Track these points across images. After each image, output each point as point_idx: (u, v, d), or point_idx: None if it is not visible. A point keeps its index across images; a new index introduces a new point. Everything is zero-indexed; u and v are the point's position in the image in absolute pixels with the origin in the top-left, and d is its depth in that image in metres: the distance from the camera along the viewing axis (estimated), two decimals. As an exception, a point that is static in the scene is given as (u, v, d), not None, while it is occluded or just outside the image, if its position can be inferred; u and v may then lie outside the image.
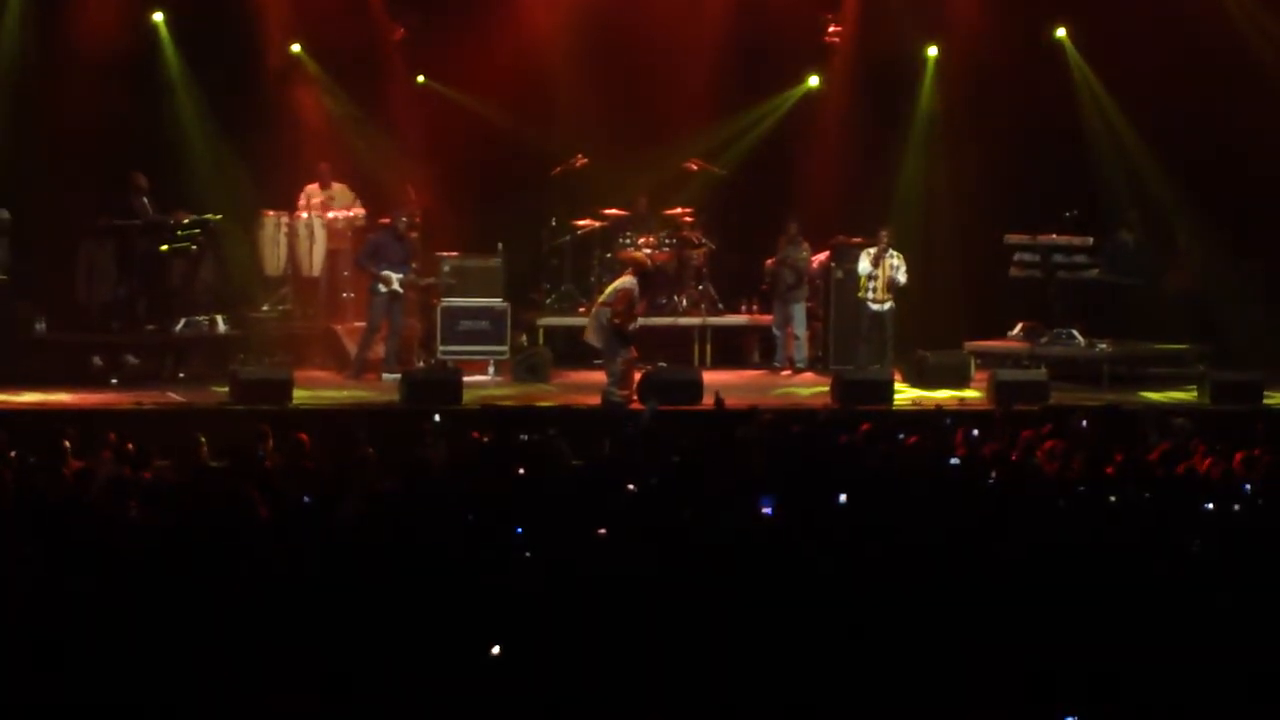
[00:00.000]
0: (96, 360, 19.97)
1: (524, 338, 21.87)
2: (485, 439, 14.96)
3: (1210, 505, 12.26)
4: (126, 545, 10.48)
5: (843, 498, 12.38)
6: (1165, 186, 23.14)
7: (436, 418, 16.92)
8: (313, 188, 22.51)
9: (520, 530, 10.95)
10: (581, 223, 22.65)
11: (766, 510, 11.78)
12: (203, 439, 14.38)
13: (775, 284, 22.12)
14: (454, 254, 21.52)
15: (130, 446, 13.90)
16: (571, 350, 21.26)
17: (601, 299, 19.63)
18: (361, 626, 8.84)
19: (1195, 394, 20.40)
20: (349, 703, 7.94)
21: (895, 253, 21.48)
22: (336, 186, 22.56)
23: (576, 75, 22.77)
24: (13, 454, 13.73)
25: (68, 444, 13.87)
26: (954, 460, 14.29)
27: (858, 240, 21.96)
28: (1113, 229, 23.12)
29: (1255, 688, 8.20)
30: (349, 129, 22.91)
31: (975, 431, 15.85)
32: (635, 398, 18.88)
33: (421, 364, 20.86)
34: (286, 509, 11.51)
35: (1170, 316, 22.68)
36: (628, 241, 22.34)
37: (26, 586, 9.31)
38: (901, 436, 15.66)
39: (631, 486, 12.51)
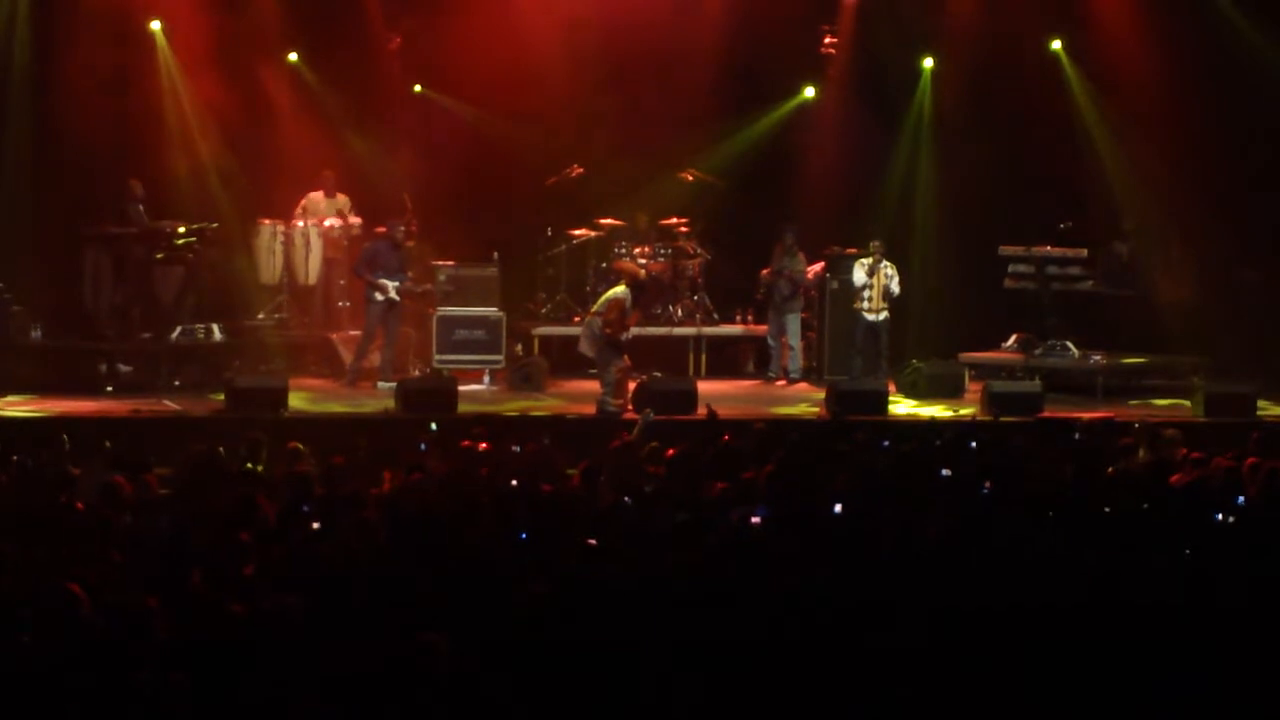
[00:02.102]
0: (103, 367, 19.98)
1: (519, 347, 21.89)
2: (480, 448, 14.97)
3: (1220, 516, 12.28)
4: (119, 552, 10.51)
5: (838, 507, 12.41)
6: (1159, 198, 23.16)
7: (433, 426, 16.94)
8: (316, 195, 22.52)
9: (524, 536, 11.01)
10: (577, 232, 22.69)
11: (756, 519, 11.80)
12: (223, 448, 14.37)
13: (770, 294, 22.15)
14: (450, 263, 21.56)
15: (126, 454, 13.92)
16: (567, 360, 21.27)
17: (594, 309, 19.70)
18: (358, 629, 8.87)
19: (1189, 406, 20.43)
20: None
21: (889, 263, 21.54)
22: (340, 196, 22.59)
23: (573, 85, 22.80)
24: (14, 458, 13.75)
25: (64, 449, 13.93)
26: (945, 471, 14.31)
27: (853, 251, 22.01)
28: (1107, 241, 23.16)
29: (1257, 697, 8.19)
30: (345, 138, 22.92)
31: (973, 444, 15.90)
32: (630, 407, 18.91)
33: (417, 373, 20.88)
34: (286, 516, 11.54)
35: (1164, 328, 22.71)
36: (623, 252, 22.39)
37: (23, 590, 9.33)
38: (886, 444, 15.69)
39: (627, 499, 12.54)
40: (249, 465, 14.08)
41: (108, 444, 14.56)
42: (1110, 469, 14.59)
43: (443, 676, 8.00)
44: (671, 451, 14.42)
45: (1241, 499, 13.47)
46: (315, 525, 11.29)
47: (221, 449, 14.28)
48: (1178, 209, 23.05)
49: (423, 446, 15.34)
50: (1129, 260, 23.20)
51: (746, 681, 8.11)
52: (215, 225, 21.37)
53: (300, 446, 14.31)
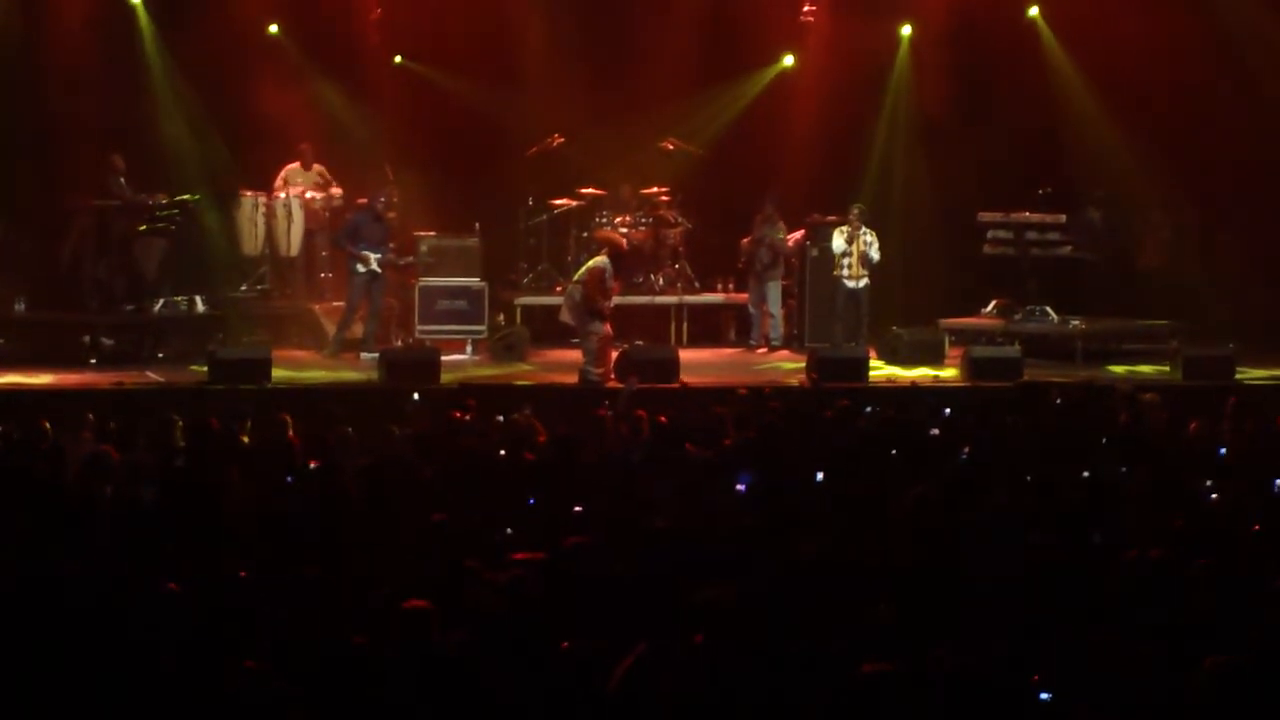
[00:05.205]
0: (86, 340, 19.99)
1: (501, 317, 21.93)
2: (464, 418, 15.03)
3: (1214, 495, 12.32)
4: (104, 524, 10.56)
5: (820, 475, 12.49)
6: (1138, 163, 23.20)
7: (415, 396, 17.02)
8: (294, 167, 22.51)
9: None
10: (558, 202, 22.70)
11: (740, 487, 11.87)
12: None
13: (751, 262, 22.19)
14: (432, 233, 21.59)
15: (111, 426, 13.96)
16: (549, 329, 21.32)
17: (575, 277, 19.73)
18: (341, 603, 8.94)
19: (1168, 370, 20.52)
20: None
21: (868, 230, 21.61)
22: (316, 167, 22.60)
23: (553, 54, 22.80)
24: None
25: (47, 424, 13.96)
26: (934, 431, 14.40)
27: (833, 218, 22.07)
28: (1080, 207, 23.23)
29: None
30: (327, 109, 22.91)
31: (947, 410, 15.99)
32: (613, 376, 18.96)
33: (399, 343, 20.93)
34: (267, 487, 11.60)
35: (1143, 293, 22.80)
36: (604, 221, 22.41)
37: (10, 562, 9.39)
38: (869, 409, 15.76)
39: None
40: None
41: (91, 416, 14.59)
42: (1090, 432, 14.68)
43: (434, 646, 8.05)
44: (662, 419, 14.50)
45: (1223, 451, 13.62)
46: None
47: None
48: (1155, 173, 23.09)
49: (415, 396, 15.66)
50: (1102, 225, 23.28)
51: (737, 650, 8.15)
52: (197, 197, 21.38)
53: (286, 418, 14.35)
